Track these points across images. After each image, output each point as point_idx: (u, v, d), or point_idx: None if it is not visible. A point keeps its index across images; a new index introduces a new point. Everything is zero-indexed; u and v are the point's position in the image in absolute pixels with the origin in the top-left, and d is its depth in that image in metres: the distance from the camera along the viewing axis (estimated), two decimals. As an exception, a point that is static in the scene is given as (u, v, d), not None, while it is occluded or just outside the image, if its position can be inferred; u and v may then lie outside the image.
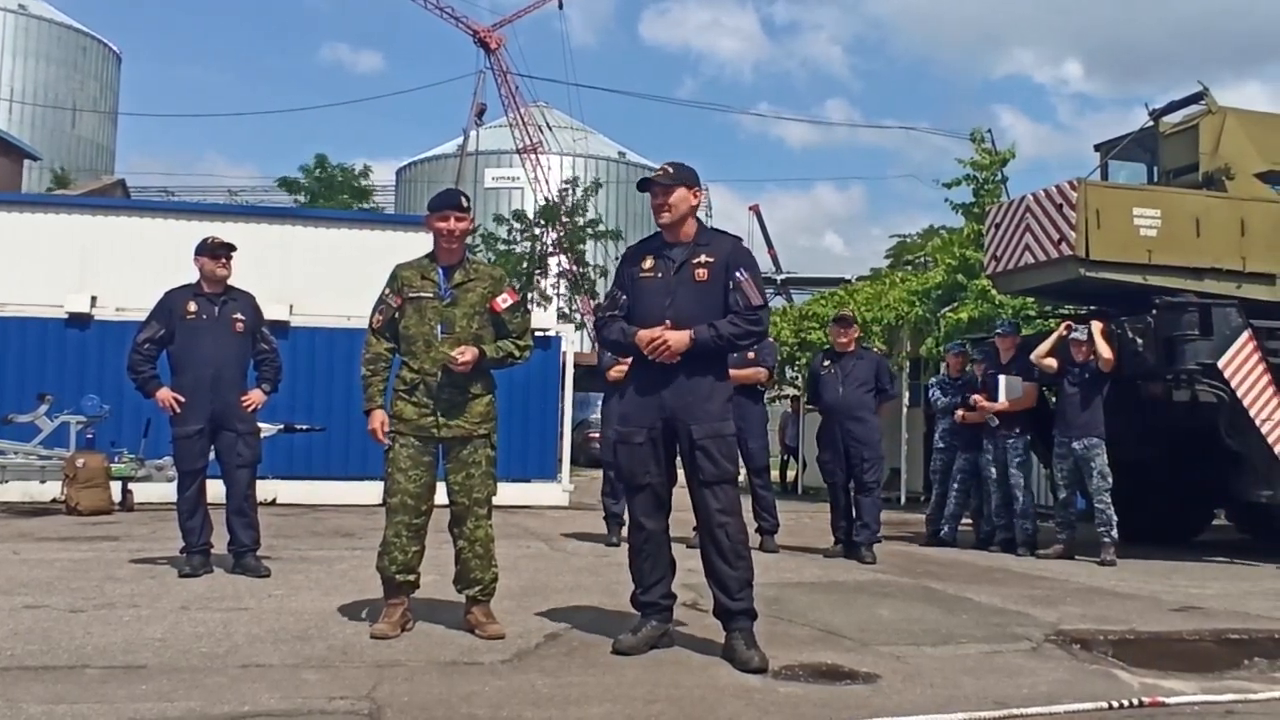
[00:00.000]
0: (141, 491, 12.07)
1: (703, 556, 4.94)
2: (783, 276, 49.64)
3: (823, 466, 9.54)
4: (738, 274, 4.90)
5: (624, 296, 5.08)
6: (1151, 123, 11.10)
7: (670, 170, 5.03)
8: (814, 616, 6.06)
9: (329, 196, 42.40)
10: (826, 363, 9.52)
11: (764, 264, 51.03)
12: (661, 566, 5.03)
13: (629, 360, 5.36)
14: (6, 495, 12.38)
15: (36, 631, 5.06)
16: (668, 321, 4.83)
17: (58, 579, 6.77)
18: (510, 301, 5.43)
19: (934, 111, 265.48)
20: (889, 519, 10.06)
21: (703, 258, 4.94)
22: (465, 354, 5.17)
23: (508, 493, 9.26)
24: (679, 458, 4.99)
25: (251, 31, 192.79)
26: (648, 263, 5.04)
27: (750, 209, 61.24)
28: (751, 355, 8.91)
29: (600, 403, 11.02)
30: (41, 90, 51.95)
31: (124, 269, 15.28)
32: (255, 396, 7.29)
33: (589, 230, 38.54)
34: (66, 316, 13.74)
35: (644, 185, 5.06)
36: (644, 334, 4.85)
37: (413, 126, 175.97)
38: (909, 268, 24.36)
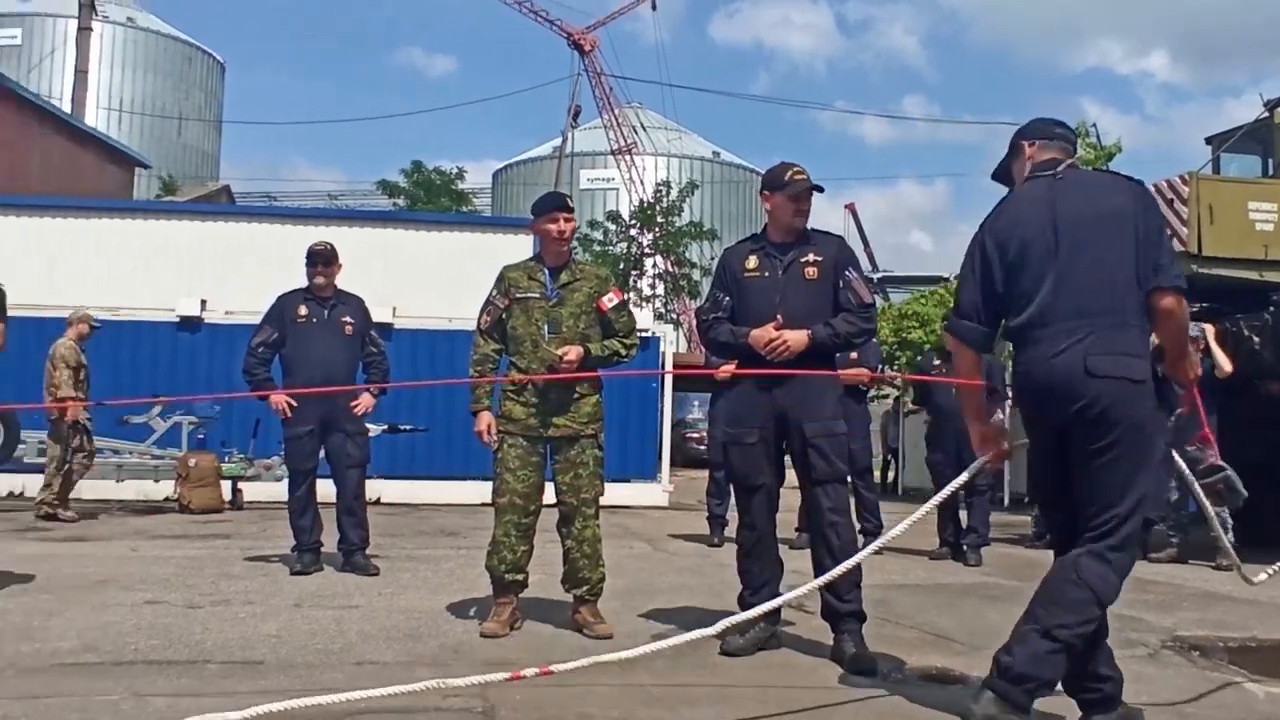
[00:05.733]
0: (250, 490, 12.36)
1: (813, 557, 4.90)
2: (880, 275, 49.09)
3: (933, 468, 9.39)
4: (847, 273, 4.89)
5: (726, 298, 5.06)
6: (1266, 114, 10.79)
7: (808, 175, 5.00)
8: (921, 619, 5.99)
9: (428, 200, 42.90)
10: (937, 362, 9.38)
11: (861, 262, 50.51)
12: (770, 568, 5.01)
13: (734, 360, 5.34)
14: (122, 494, 12.80)
15: (158, 627, 5.20)
16: (779, 318, 4.80)
17: (174, 575, 6.94)
18: (616, 300, 5.46)
19: (1014, 104, 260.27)
20: (993, 520, 9.87)
21: (811, 256, 4.92)
22: (569, 353, 5.20)
23: (609, 493, 9.28)
24: (788, 457, 4.96)
25: (322, 38, 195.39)
26: (752, 262, 5.02)
27: (846, 207, 60.62)
28: (854, 356, 8.81)
29: (707, 404, 10.92)
30: (149, 100, 53.38)
31: (232, 273, 15.63)
32: (365, 400, 7.35)
33: (688, 231, 38.52)
34: (178, 320, 14.17)
35: (811, 190, 4.99)
36: (759, 334, 4.82)
37: (497, 130, 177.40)
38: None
